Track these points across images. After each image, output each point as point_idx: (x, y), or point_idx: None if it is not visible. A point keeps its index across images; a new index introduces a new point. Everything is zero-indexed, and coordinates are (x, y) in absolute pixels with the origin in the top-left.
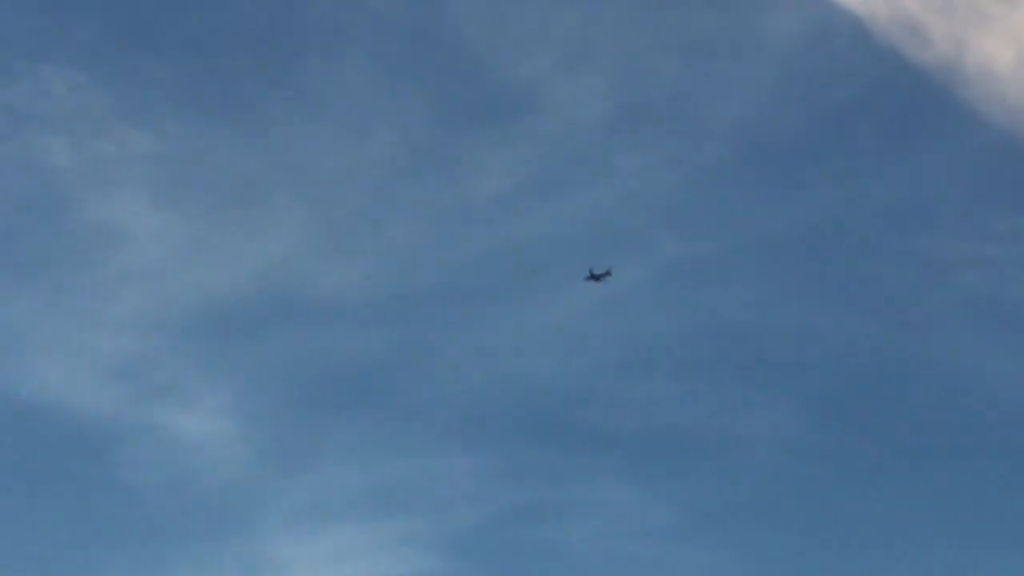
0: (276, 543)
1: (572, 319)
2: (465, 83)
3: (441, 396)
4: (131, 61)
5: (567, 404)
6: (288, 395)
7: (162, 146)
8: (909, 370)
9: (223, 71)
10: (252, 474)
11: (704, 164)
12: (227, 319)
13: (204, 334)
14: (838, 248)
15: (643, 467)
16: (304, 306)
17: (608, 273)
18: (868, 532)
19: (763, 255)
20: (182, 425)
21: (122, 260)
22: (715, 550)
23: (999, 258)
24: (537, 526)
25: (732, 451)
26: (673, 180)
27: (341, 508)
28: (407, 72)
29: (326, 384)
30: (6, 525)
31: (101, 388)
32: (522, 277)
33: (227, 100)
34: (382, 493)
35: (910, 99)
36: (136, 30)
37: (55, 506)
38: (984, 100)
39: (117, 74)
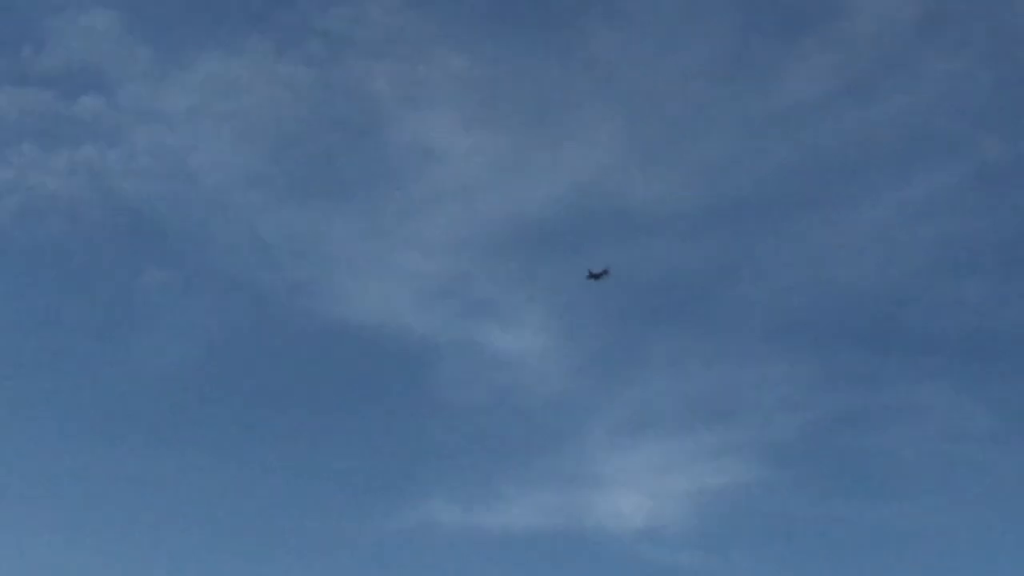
0: (597, 456)
1: (889, 223)
2: None
3: (759, 305)
4: None
5: (886, 308)
6: (604, 309)
7: (476, 67)
8: None
9: None
10: (572, 388)
11: (1020, 62)
12: (541, 235)
13: (519, 251)
14: None
15: (965, 370)
16: (618, 220)
17: (606, 272)
18: None
19: None
20: (500, 342)
21: (436, 180)
22: None
23: None
24: (858, 432)
25: None
26: (987, 80)
27: (661, 420)
28: None
29: (643, 297)
30: (332, 446)
31: (419, 308)
32: (837, 183)
33: (539, 18)
34: (702, 403)
35: None
36: None
37: (379, 426)
38: None
39: None
